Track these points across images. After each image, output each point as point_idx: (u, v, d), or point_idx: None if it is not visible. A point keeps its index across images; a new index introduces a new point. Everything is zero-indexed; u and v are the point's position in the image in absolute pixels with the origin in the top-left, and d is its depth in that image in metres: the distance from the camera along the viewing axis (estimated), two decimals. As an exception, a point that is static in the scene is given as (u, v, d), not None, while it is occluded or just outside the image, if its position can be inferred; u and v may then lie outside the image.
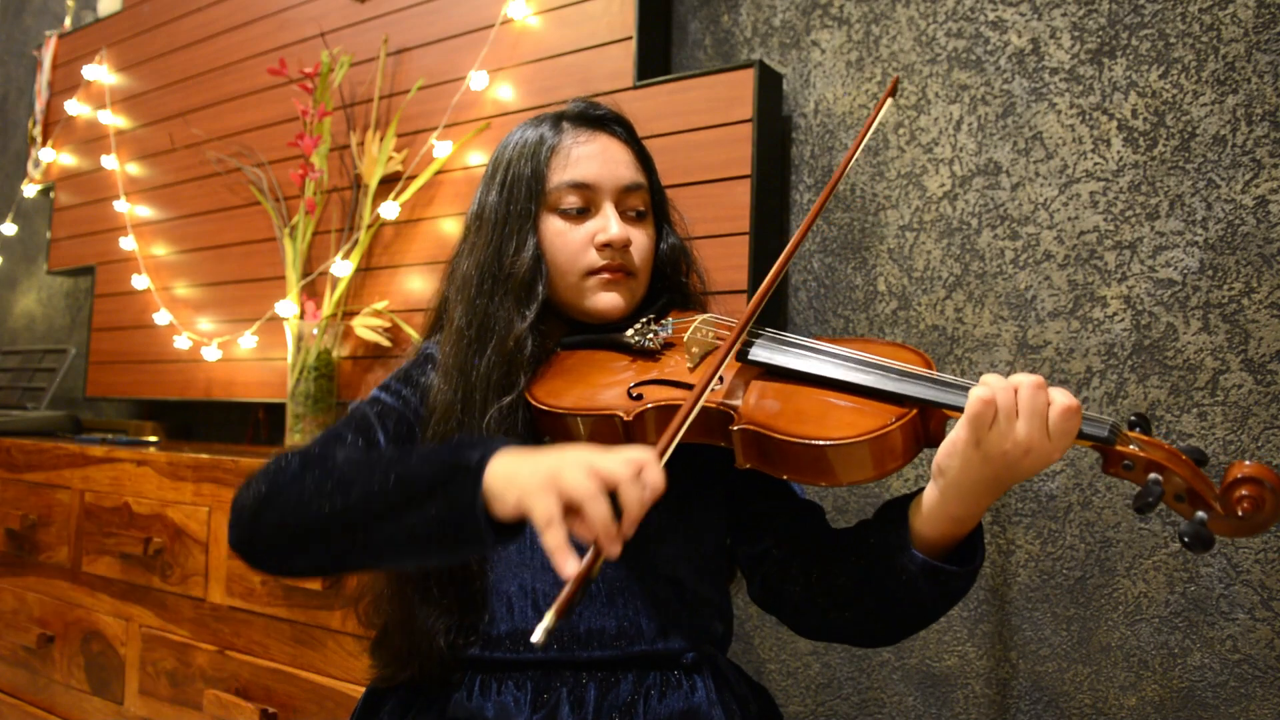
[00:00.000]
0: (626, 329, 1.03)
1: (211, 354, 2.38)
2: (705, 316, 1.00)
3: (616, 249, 1.02)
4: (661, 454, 0.73)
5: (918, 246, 1.56)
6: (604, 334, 1.04)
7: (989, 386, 0.75)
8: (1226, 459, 1.29)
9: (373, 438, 0.98)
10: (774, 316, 1.68)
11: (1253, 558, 1.27)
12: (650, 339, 1.01)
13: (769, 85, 1.64)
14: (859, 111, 1.64)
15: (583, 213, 1.03)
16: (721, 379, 0.92)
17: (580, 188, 1.03)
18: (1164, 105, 1.36)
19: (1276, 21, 1.29)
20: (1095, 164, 1.41)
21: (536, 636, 0.64)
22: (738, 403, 0.88)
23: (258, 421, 2.45)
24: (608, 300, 1.03)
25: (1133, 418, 0.77)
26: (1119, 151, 1.39)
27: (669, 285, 1.11)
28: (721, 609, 1.04)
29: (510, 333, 0.99)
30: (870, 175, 1.61)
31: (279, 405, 2.30)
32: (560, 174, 1.03)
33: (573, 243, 1.02)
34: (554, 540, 0.67)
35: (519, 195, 1.03)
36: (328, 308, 2.10)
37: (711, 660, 0.99)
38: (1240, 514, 0.70)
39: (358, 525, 0.81)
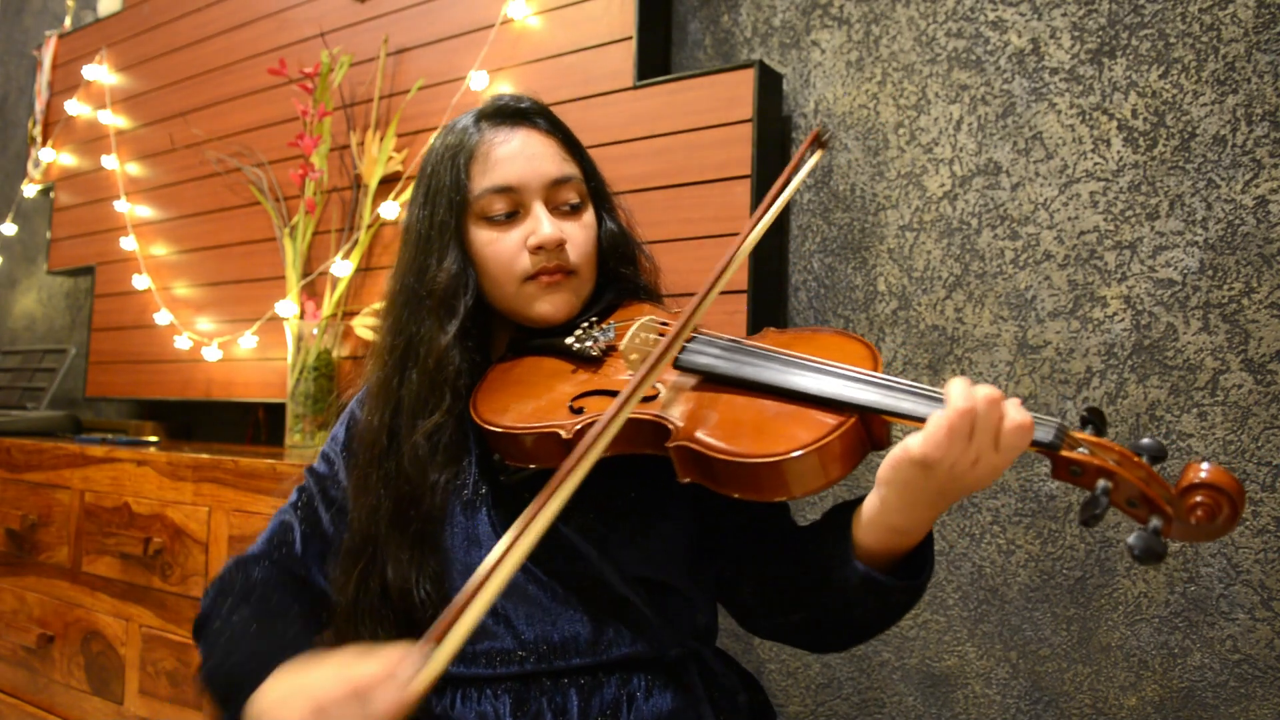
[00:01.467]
0: (570, 333, 0.98)
1: (211, 354, 2.38)
2: (644, 320, 0.94)
3: (550, 250, 0.96)
4: (436, 639, 0.71)
5: (918, 246, 1.56)
6: (548, 339, 0.99)
7: (946, 422, 0.69)
8: (1227, 459, 1.29)
9: (316, 522, 1.02)
10: (774, 317, 1.69)
11: (1253, 558, 1.27)
12: (590, 345, 0.95)
13: (769, 85, 1.64)
14: (859, 111, 1.64)
15: (512, 217, 0.98)
16: (660, 386, 0.88)
17: (505, 191, 0.97)
18: (1164, 105, 1.36)
19: (1276, 21, 1.29)
20: (1095, 164, 1.41)
21: None
22: (675, 415, 0.83)
23: (258, 421, 2.45)
24: (548, 306, 0.98)
25: (1084, 413, 0.72)
26: (1119, 151, 1.39)
27: (615, 276, 1.06)
28: (702, 602, 1.01)
29: (431, 350, 0.95)
30: (870, 175, 1.61)
31: (279, 405, 2.30)
32: (482, 180, 0.97)
33: (504, 251, 0.97)
34: None
35: (440, 207, 0.98)
36: (328, 308, 2.10)
37: (696, 655, 0.97)
38: (1193, 521, 0.66)
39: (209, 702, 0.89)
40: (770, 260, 1.66)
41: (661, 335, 0.91)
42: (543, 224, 0.96)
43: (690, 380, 0.88)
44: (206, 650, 0.90)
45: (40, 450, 2.11)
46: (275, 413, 2.40)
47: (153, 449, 1.96)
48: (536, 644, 0.93)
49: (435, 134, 1.04)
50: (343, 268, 2.10)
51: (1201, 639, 1.30)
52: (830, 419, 0.77)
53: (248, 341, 2.32)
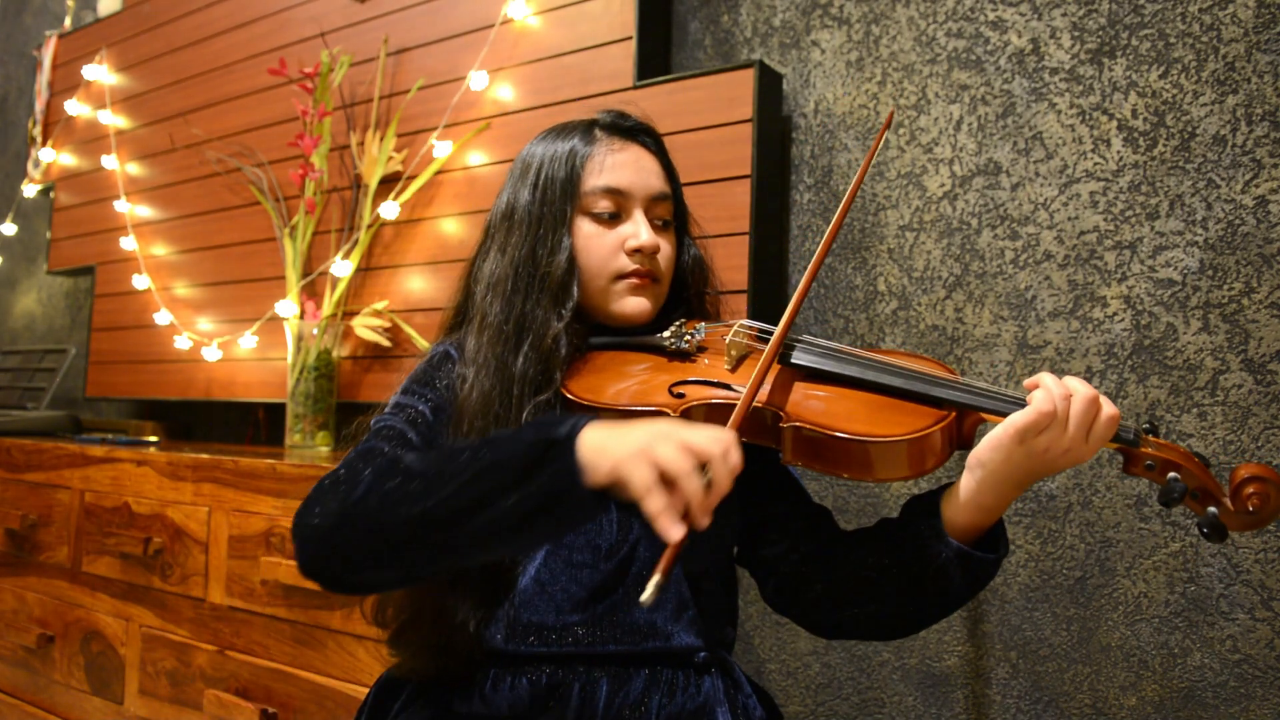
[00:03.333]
0: (655, 332, 1.05)
1: (211, 354, 2.38)
2: (741, 322, 1.04)
3: (647, 255, 1.05)
4: (739, 436, 0.77)
5: (918, 246, 1.56)
6: (635, 336, 1.07)
7: (1050, 399, 0.80)
8: (1227, 459, 1.29)
9: (408, 443, 0.97)
10: (774, 317, 1.68)
11: (1253, 558, 1.27)
12: (686, 342, 1.03)
13: (769, 85, 1.64)
14: (859, 111, 1.64)
15: (614, 218, 1.06)
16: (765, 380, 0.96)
17: (613, 193, 1.05)
18: (1164, 105, 1.36)
19: (1276, 21, 1.29)
20: (1095, 164, 1.41)
21: (646, 595, 0.68)
22: (784, 402, 0.92)
23: (258, 421, 2.45)
24: (635, 305, 1.06)
25: (1148, 423, 0.85)
26: (1119, 151, 1.39)
27: (687, 296, 1.14)
28: (731, 614, 1.07)
29: (548, 332, 1.01)
30: (870, 175, 1.61)
31: (279, 405, 2.30)
32: (595, 178, 1.05)
33: (604, 246, 1.05)
34: (656, 505, 0.70)
35: (554, 196, 1.05)
36: (328, 308, 2.10)
37: (722, 661, 1.00)
38: (1250, 509, 0.79)
39: (453, 521, 0.79)
40: (770, 260, 1.66)
41: (754, 337, 1.02)
42: (643, 230, 1.05)
43: (793, 375, 0.97)
44: (422, 471, 0.82)
45: (40, 450, 2.11)
46: (275, 413, 2.40)
47: (153, 449, 1.96)
48: (576, 627, 0.96)
49: (541, 134, 1.12)
50: (343, 268, 2.10)
51: (1201, 639, 1.30)
52: (931, 413, 0.87)
53: (248, 341, 2.32)
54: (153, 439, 2.32)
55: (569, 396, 0.99)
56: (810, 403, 0.92)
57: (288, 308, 2.15)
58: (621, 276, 1.05)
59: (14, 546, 2.13)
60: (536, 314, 1.02)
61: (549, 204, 1.05)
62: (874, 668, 1.56)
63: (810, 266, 0.97)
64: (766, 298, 1.65)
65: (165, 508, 1.81)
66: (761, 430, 0.93)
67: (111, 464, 1.94)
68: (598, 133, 1.09)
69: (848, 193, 1.01)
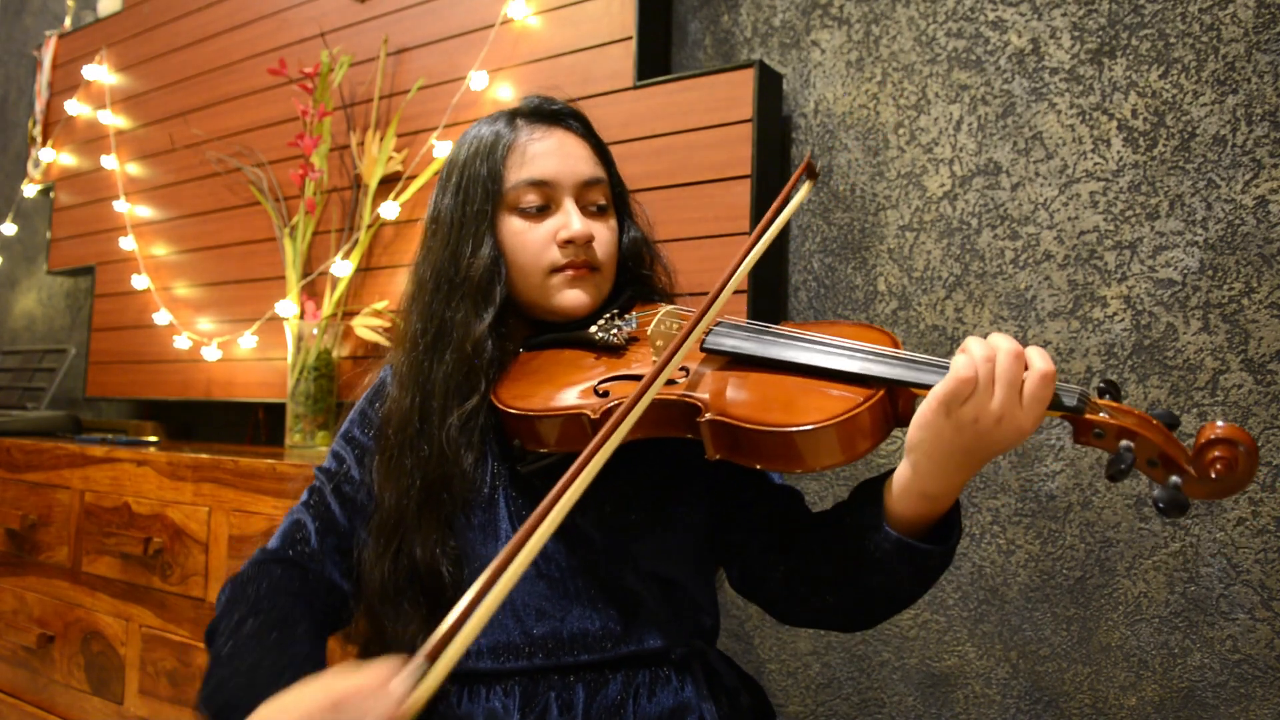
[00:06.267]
0: (590, 325, 1.01)
1: (211, 354, 2.38)
2: (669, 308, 0.97)
3: (580, 245, 1.00)
4: (433, 653, 0.67)
5: (918, 246, 1.56)
6: (568, 332, 1.02)
7: (970, 363, 0.72)
8: (1226, 459, 1.29)
9: (330, 519, 1.01)
10: (774, 317, 1.68)
11: (1253, 558, 1.27)
12: (614, 334, 0.99)
13: (769, 85, 1.64)
14: (859, 111, 1.64)
15: (543, 210, 1.01)
16: (686, 370, 0.90)
17: (539, 185, 1.00)
18: (1164, 105, 1.36)
19: (1276, 21, 1.29)
20: (1095, 164, 1.41)
21: None
22: (704, 394, 0.85)
23: (258, 421, 2.45)
24: (573, 297, 1.01)
25: (1101, 384, 0.75)
26: (1119, 151, 1.39)
27: (632, 279, 1.09)
28: (708, 603, 1.03)
29: (468, 336, 0.98)
30: (870, 175, 1.61)
31: (279, 405, 2.30)
32: (518, 172, 1.00)
33: (534, 241, 1.00)
34: None
35: (475, 196, 1.01)
36: (328, 308, 2.10)
37: (700, 655, 0.98)
38: (1214, 475, 0.69)
39: None
40: (770, 260, 1.66)
41: (684, 322, 0.93)
42: (573, 219, 1.00)
43: (716, 363, 0.90)
44: (210, 666, 0.89)
45: (40, 450, 2.11)
46: (275, 413, 2.40)
47: (153, 449, 1.96)
48: (545, 640, 0.94)
49: (467, 130, 1.06)
50: (343, 268, 2.10)
51: (1201, 639, 1.30)
52: (858, 393, 0.79)
53: (248, 341, 2.32)
54: (153, 439, 2.32)
55: (499, 405, 0.95)
56: (730, 393, 0.84)
57: (288, 308, 2.15)
58: (556, 270, 1.00)
59: (14, 546, 2.13)
60: (457, 319, 0.98)
61: (470, 204, 1.00)
62: (874, 668, 1.56)
63: (739, 254, 0.91)
64: (766, 297, 1.65)
65: (165, 508, 1.81)
66: (683, 425, 0.86)
67: (111, 464, 1.94)
68: (519, 122, 1.03)
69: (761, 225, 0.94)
